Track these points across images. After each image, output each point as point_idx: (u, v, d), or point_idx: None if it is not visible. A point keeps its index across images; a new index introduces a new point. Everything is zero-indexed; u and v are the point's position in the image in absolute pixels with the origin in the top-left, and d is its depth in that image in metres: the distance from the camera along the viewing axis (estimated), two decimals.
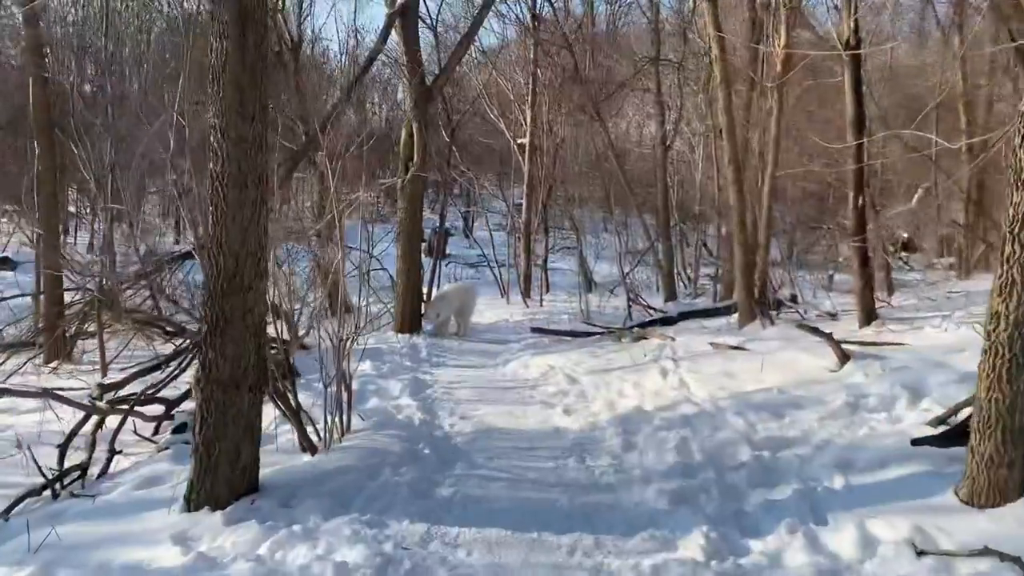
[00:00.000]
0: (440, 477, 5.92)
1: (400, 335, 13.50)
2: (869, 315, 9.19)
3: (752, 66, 13.86)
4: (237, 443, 5.38)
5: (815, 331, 7.78)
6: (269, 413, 6.27)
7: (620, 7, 27.92)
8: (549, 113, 20.28)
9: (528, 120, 19.88)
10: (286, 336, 7.76)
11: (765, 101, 14.74)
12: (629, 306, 14.28)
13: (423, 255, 22.32)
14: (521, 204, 21.29)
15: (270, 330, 7.06)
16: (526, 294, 19.38)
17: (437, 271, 16.53)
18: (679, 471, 5.82)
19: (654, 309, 14.32)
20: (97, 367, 11.84)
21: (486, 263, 21.74)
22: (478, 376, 10.06)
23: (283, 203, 14.35)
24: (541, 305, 18.72)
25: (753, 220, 11.94)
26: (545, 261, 20.82)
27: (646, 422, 6.92)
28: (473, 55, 21.11)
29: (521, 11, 19.47)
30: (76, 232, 24.72)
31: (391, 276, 14.63)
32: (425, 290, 16.33)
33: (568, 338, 12.97)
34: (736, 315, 12.98)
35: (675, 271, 19.67)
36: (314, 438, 6.38)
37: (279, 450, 6.44)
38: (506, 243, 20.18)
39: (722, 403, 7.14)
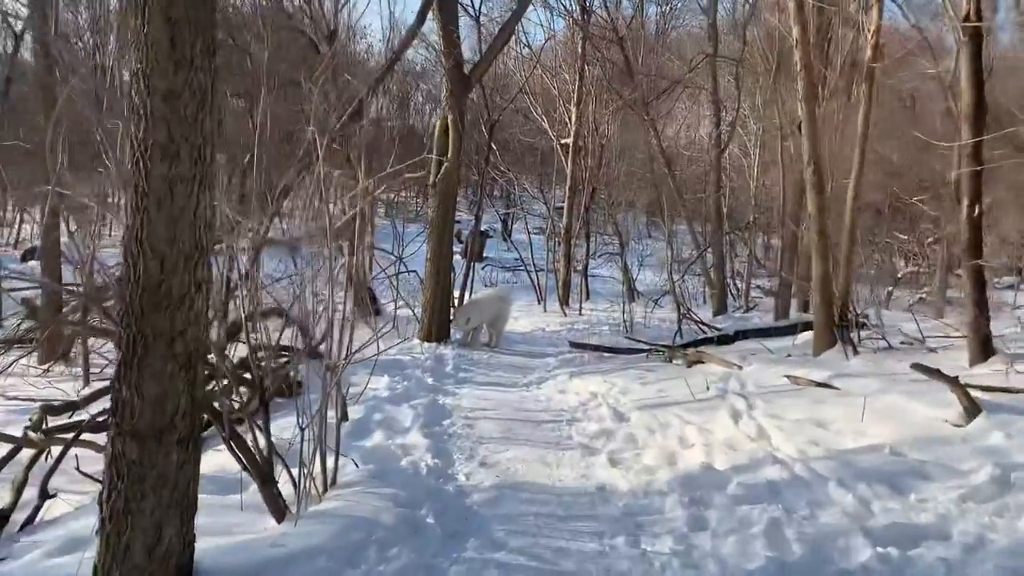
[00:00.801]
0: (444, 562, 4.18)
1: (426, 344, 11.82)
2: (985, 349, 7.26)
3: (823, 59, 12.00)
4: (158, 520, 3.67)
5: (937, 374, 5.88)
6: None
7: (671, 8, 26.09)
8: (595, 112, 18.50)
9: (573, 119, 18.11)
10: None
11: (835, 99, 12.86)
12: (680, 321, 12.42)
13: (459, 257, 20.74)
14: (562, 207, 19.53)
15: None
16: (564, 302, 17.61)
17: (471, 275, 14.79)
18: (773, 573, 4.02)
19: (708, 326, 12.44)
20: (96, 372, 10.36)
21: (523, 267, 19.99)
22: (507, 401, 8.30)
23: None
24: (580, 314, 16.94)
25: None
26: (586, 267, 19.04)
27: (718, 488, 5.11)
28: (517, 49, 19.41)
29: (569, 1, 17.70)
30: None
31: (421, 279, 12.96)
32: (457, 295, 14.64)
33: (610, 354, 11.21)
34: (801, 337, 11.14)
35: (725, 283, 17.76)
36: (292, 493, 4.71)
37: (244, 508, 4.77)
38: (545, 247, 18.41)
39: (817, 465, 5.28)
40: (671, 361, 10.10)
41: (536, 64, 18.06)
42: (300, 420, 4.85)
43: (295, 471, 4.77)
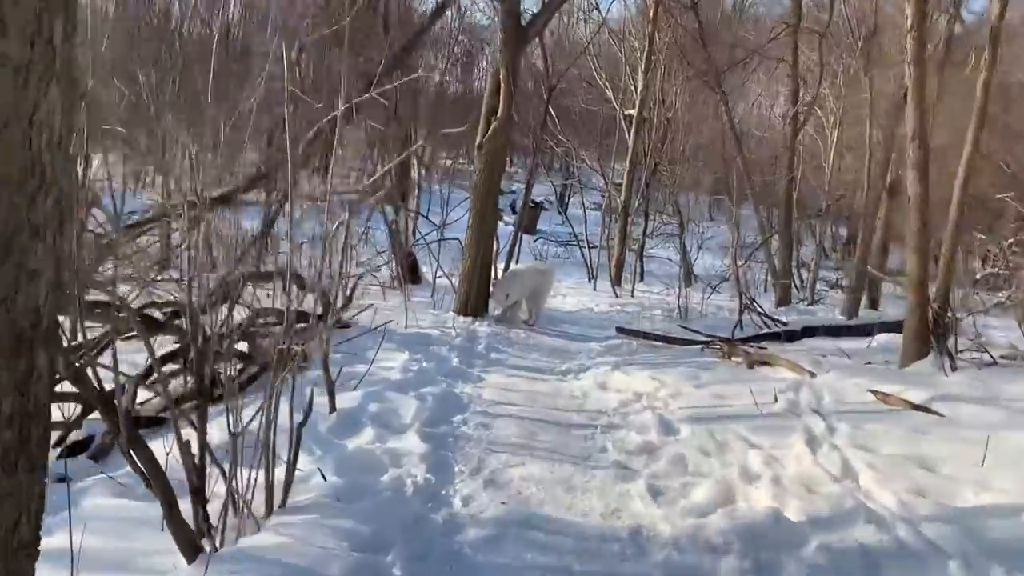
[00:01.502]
0: None
1: (461, 318, 10.51)
2: None
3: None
4: None
5: None
6: None
7: None
8: (663, 82, 16.84)
9: (639, 88, 16.50)
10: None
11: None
12: (741, 311, 10.86)
13: (511, 228, 19.39)
14: (621, 183, 17.98)
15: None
16: (616, 281, 16.13)
17: (518, 247, 13.40)
18: None
19: (772, 319, 10.85)
20: None
21: (576, 243, 18.53)
22: (537, 394, 6.93)
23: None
24: (632, 295, 15.46)
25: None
26: (641, 247, 17.50)
27: (792, 549, 3.68)
28: (584, 9, 17.76)
29: None
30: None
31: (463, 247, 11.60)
32: (502, 267, 13.30)
33: (661, 344, 9.75)
34: (878, 339, 9.54)
35: (791, 273, 16.06)
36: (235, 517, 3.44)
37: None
38: (600, 223, 16.91)
39: (928, 529, 3.79)
40: (729, 358, 8.59)
41: (602, 26, 16.42)
42: (233, 420, 3.52)
43: (235, 486, 3.49)
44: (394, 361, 7.37)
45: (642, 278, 17.12)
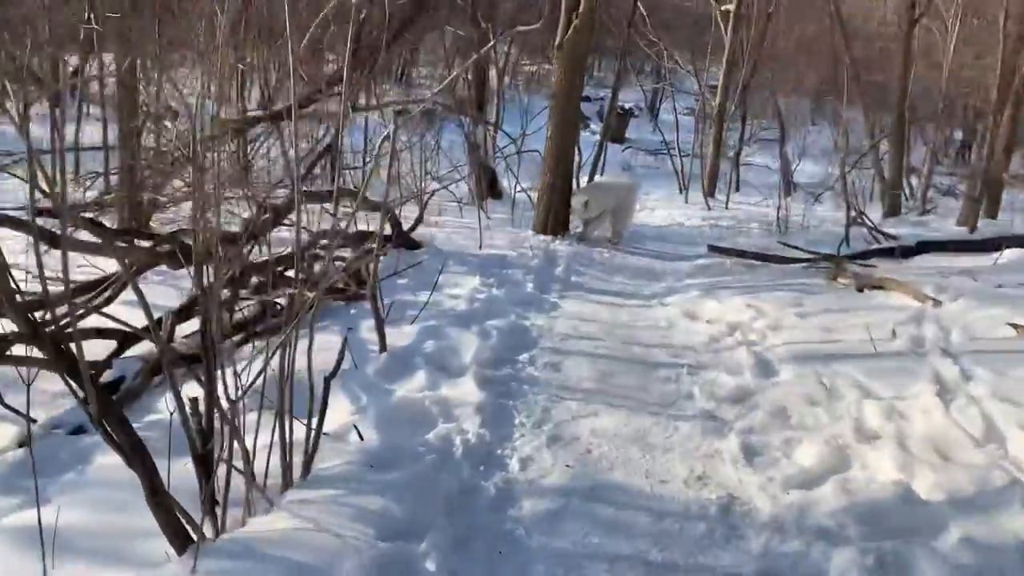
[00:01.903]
0: None
1: (540, 237, 9.75)
2: None
3: None
4: None
5: None
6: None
7: None
8: None
9: None
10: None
11: None
12: (848, 224, 9.70)
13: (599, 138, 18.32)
14: (716, 85, 16.54)
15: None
16: (709, 192, 14.96)
17: (603, 157, 12.38)
18: None
19: (884, 234, 9.67)
20: None
21: (667, 151, 17.30)
22: (617, 324, 6.17)
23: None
24: (726, 207, 14.30)
25: None
26: (738, 155, 16.17)
27: (927, 541, 2.88)
28: None
29: None
30: None
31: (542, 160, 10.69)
32: (584, 180, 12.38)
33: (758, 263, 8.79)
34: (1006, 256, 8.34)
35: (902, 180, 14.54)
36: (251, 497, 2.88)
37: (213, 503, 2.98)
38: (693, 130, 15.65)
39: None
40: (836, 279, 7.59)
41: None
42: (239, 372, 2.89)
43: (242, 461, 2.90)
44: (462, 287, 6.72)
45: (738, 188, 15.87)
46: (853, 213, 9.77)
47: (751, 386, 4.52)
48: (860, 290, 7.06)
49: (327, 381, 3.12)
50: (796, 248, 9.29)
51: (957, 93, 16.13)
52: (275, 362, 2.96)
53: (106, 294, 4.51)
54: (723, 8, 15.52)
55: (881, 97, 17.02)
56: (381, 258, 7.51)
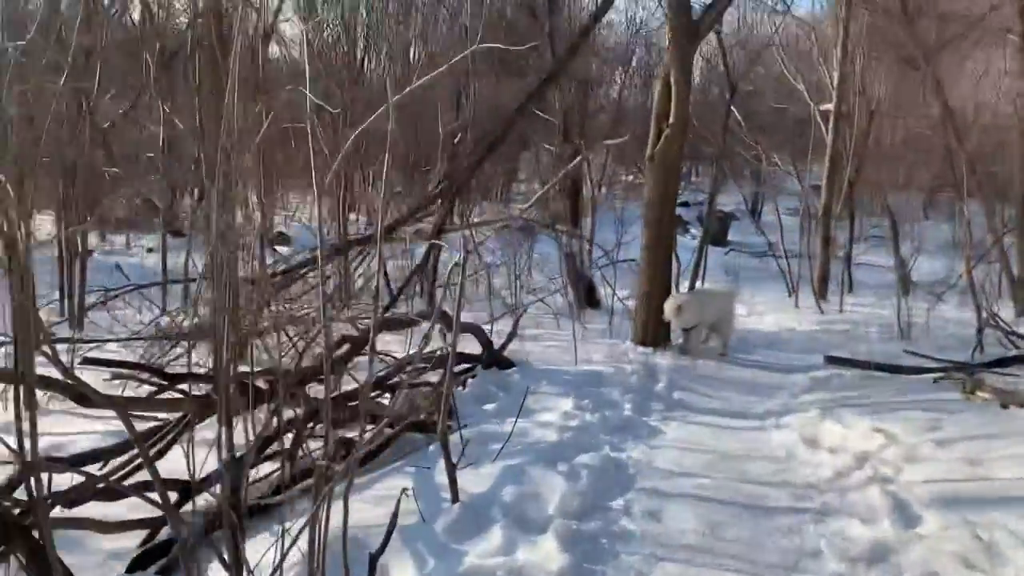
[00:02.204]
0: None
1: (640, 349, 9.14)
2: None
3: None
4: None
5: None
6: None
7: None
8: (863, 69, 14.60)
9: (835, 80, 14.37)
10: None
11: None
12: (981, 329, 8.69)
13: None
14: (819, 185, 15.80)
15: None
16: (821, 295, 14.03)
17: (704, 262, 11.77)
18: None
19: (1022, 337, 8.61)
20: None
21: (772, 253, 16.49)
22: (726, 456, 5.46)
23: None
24: (840, 311, 13.32)
25: None
26: (848, 254, 15.22)
27: None
28: None
29: None
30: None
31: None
32: (685, 285, 11.77)
33: (882, 375, 7.89)
34: None
35: None
36: None
37: None
38: (798, 229, 14.86)
39: None
40: (974, 392, 6.65)
41: (787, 14, 14.42)
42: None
43: None
44: (553, 411, 6.18)
45: (851, 289, 14.87)
46: (984, 315, 8.75)
47: (890, 539, 3.74)
48: (1004, 406, 6.11)
49: (373, 560, 2.62)
50: (923, 356, 8.37)
51: None
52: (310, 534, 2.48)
53: (158, 447, 4.19)
54: (821, 108, 14.95)
55: (1000, 188, 15.85)
56: (470, 381, 7.13)
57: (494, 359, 7.71)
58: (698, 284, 12.20)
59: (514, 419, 5.64)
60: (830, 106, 14.71)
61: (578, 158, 6.88)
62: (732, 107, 14.10)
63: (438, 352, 6.82)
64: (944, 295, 13.91)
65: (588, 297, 12.40)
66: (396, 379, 5.91)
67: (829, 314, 12.94)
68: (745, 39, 17.44)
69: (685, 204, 24.43)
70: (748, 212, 19.44)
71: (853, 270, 15.71)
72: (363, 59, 19.37)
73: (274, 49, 16.33)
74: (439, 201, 7.73)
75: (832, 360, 8.23)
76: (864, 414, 6.15)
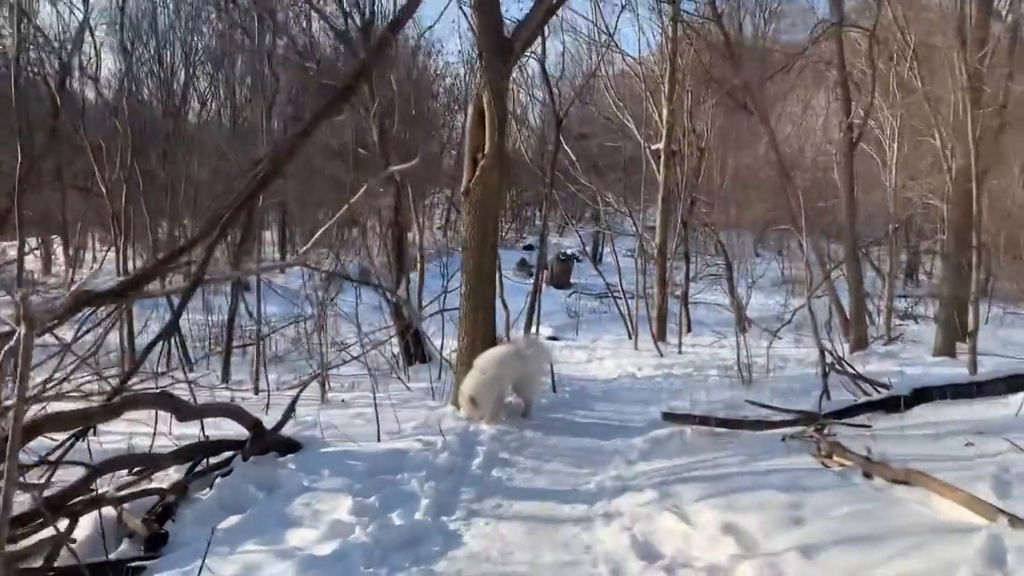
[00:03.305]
0: None
1: (460, 412, 7.52)
2: None
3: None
4: None
5: None
6: None
7: None
8: (690, 107, 13.86)
9: (664, 116, 13.54)
10: None
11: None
12: (826, 372, 7.59)
13: (544, 285, 16.45)
14: (654, 225, 14.93)
15: None
16: (659, 336, 12.99)
17: (538, 310, 10.34)
18: None
19: (869, 381, 7.57)
20: None
21: (611, 295, 15.44)
22: (542, 566, 3.89)
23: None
24: (680, 352, 12.30)
25: None
26: (685, 294, 14.33)
27: None
28: (591, 29, 14.76)
29: None
30: None
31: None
32: (520, 332, 10.30)
33: (723, 430, 6.63)
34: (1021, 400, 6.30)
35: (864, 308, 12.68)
36: None
37: None
38: (635, 270, 13.83)
39: None
40: (830, 456, 5.41)
41: (609, 45, 13.40)
42: None
43: None
44: (320, 522, 4.44)
45: (689, 329, 13.95)
46: (829, 359, 7.69)
47: None
48: (868, 476, 4.87)
49: None
50: (767, 408, 7.19)
51: (903, 215, 14.63)
52: None
53: None
54: (652, 147, 14.09)
55: (826, 222, 15.54)
56: (218, 481, 5.23)
57: (268, 444, 5.86)
58: (532, 330, 10.74)
59: (261, 543, 3.88)
60: (660, 145, 13.87)
61: (360, 192, 5.28)
62: (564, 145, 12.95)
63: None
64: (779, 332, 13.20)
65: (417, 350, 10.76)
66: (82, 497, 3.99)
67: (668, 356, 11.85)
68: (572, 76, 16.52)
69: (530, 247, 23.35)
70: (589, 254, 18.47)
71: (690, 309, 14.85)
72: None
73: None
74: (198, 246, 5.88)
75: (670, 418, 6.88)
76: (709, 495, 4.76)
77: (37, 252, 17.04)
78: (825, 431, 6.22)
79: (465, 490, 5.45)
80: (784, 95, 15.14)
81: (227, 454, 5.59)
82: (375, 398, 7.16)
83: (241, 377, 9.70)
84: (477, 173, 7.56)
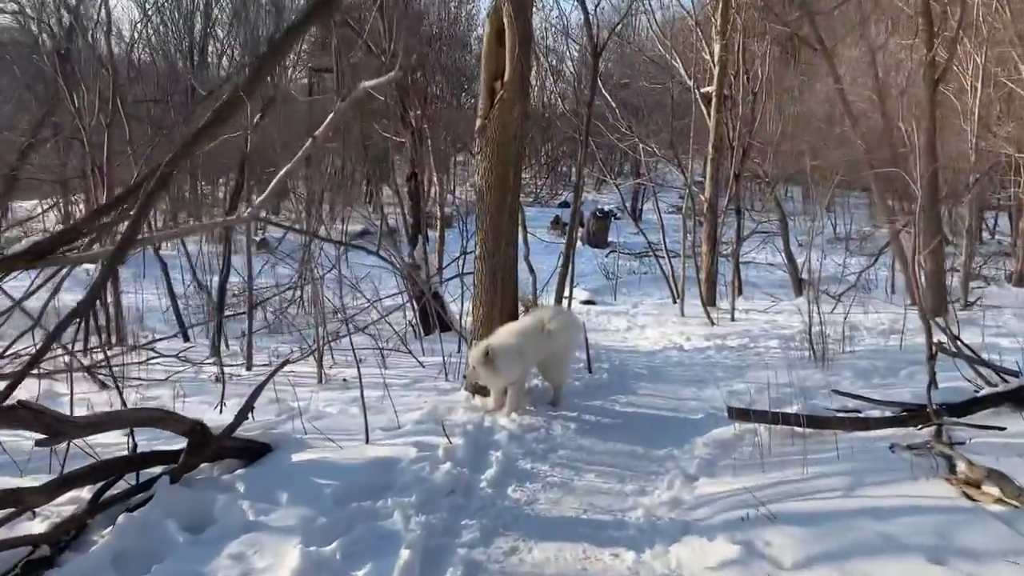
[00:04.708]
0: None
1: (476, 400, 5.87)
2: None
3: None
4: None
5: None
6: None
7: None
8: (743, 44, 11.78)
9: (715, 56, 11.51)
10: None
11: None
12: (933, 353, 5.64)
13: (579, 244, 14.70)
14: (702, 180, 12.98)
15: None
16: (709, 300, 11.12)
17: (571, 271, 8.53)
18: None
19: (991, 366, 5.62)
20: None
21: (653, 254, 13.59)
22: None
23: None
24: (732, 319, 10.45)
25: None
26: (736, 253, 12.38)
27: None
28: None
29: None
30: None
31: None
32: (551, 296, 8.57)
33: (808, 431, 4.88)
34: None
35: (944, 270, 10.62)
36: None
37: None
38: (682, 228, 11.94)
39: None
40: (978, 487, 3.64)
41: None
42: None
43: None
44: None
45: (740, 291, 12.05)
46: (940, 337, 5.79)
47: None
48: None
49: None
50: (859, 398, 5.42)
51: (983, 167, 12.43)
52: None
53: None
54: (703, 90, 12.06)
55: (888, 177, 13.38)
56: (123, 516, 3.63)
57: (220, 450, 4.28)
58: (564, 297, 8.95)
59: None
60: (711, 88, 11.85)
61: (322, 126, 3.61)
62: (602, 89, 11.02)
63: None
64: (843, 296, 11.30)
65: (439, 319, 9.08)
66: None
67: (721, 325, 10.00)
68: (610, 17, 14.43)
69: (565, 205, 21.45)
70: (628, 210, 16.57)
71: (742, 269, 12.92)
72: None
73: None
74: (126, 206, 4.28)
75: (739, 414, 5.12)
76: (817, 555, 3.05)
77: (56, 211, 15.75)
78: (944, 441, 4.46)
79: (468, 524, 3.82)
80: (847, 35, 12.87)
81: (157, 469, 4.04)
82: (384, 377, 5.55)
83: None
84: (495, 105, 5.78)
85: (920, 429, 4.74)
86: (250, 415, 5.56)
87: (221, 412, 5.40)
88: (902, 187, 13.40)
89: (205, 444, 4.17)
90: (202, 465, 4.35)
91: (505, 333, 5.60)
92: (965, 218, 12.14)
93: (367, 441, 4.87)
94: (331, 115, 3.78)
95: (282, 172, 3.98)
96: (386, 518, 3.74)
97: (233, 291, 9.83)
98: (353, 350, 6.75)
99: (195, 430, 4.11)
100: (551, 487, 4.42)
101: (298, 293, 8.11)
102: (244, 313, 7.45)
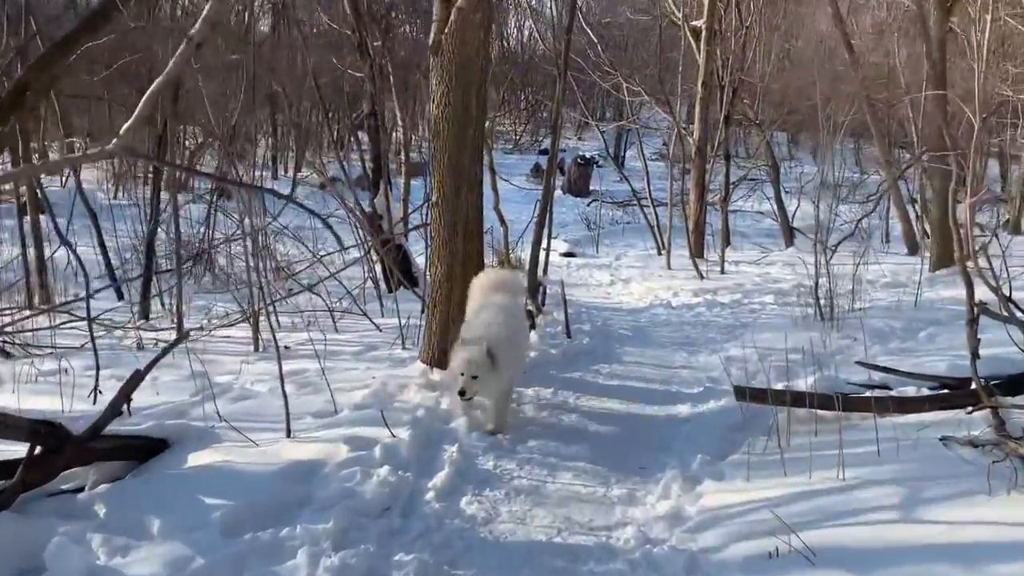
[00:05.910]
0: None
1: (433, 375, 4.73)
2: None
3: None
4: None
5: None
6: None
7: None
8: None
9: None
10: None
11: None
12: (975, 317, 4.50)
13: (560, 192, 13.52)
14: (687, 125, 11.72)
15: None
16: (697, 251, 10.00)
17: (549, 222, 7.30)
18: None
19: None
20: None
21: (637, 202, 12.42)
22: None
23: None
24: (722, 271, 9.35)
25: None
26: (725, 201, 11.19)
27: None
28: None
29: None
30: None
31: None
32: (525, 256, 7.43)
33: (828, 414, 3.83)
34: None
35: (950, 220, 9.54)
36: None
37: None
38: (669, 175, 10.72)
39: None
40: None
41: None
42: None
43: None
44: None
45: (728, 242, 10.93)
46: (980, 298, 4.69)
47: None
48: None
49: None
50: (890, 371, 4.35)
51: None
52: None
53: None
54: (692, 24, 10.71)
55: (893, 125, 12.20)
56: None
57: (89, 454, 3.16)
58: (543, 259, 7.72)
59: None
60: (701, 22, 10.51)
61: (188, 35, 2.52)
62: (584, 23, 9.66)
63: None
64: (839, 247, 10.20)
65: (406, 274, 7.88)
66: None
67: (711, 278, 8.91)
68: None
69: (545, 152, 20.11)
70: (611, 157, 15.32)
71: (730, 218, 11.77)
72: None
73: None
74: None
75: (748, 396, 4.02)
76: (842, 557, 1.98)
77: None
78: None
79: (402, 560, 2.73)
80: None
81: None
82: (326, 344, 4.43)
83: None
84: (451, 18, 4.51)
85: (970, 413, 3.71)
86: (158, 395, 4.50)
87: (95, 402, 4.23)
88: (899, 134, 12.28)
89: (58, 451, 3.04)
90: (75, 470, 3.25)
91: (487, 321, 4.14)
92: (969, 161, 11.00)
93: (288, 435, 3.76)
94: (198, 21, 2.58)
95: (154, 85, 2.76)
96: (288, 558, 2.66)
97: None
98: (328, 307, 5.59)
99: (38, 434, 2.96)
100: (517, 495, 3.35)
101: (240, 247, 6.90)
102: (172, 270, 6.26)
